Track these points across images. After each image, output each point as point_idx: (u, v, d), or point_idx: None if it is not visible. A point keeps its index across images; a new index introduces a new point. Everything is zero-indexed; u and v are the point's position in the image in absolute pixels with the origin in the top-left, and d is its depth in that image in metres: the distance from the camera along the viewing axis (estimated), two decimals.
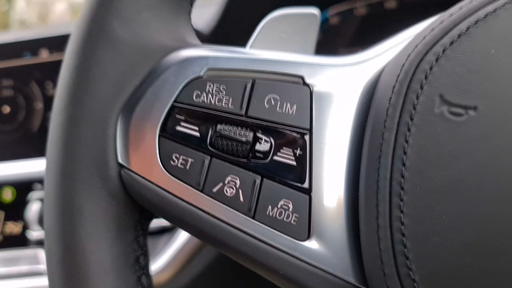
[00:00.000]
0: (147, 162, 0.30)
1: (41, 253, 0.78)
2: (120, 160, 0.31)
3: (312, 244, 0.29)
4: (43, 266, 0.77)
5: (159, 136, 0.30)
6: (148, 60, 0.32)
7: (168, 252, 0.69)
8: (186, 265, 0.68)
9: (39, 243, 0.78)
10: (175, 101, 0.31)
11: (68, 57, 0.32)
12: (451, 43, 0.27)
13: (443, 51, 0.27)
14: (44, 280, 0.76)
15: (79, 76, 0.30)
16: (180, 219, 0.30)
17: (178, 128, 0.31)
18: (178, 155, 0.30)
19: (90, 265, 0.30)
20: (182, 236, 0.69)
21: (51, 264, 0.30)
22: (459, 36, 0.27)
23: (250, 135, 0.30)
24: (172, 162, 0.30)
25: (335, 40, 0.78)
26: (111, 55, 0.31)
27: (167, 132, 0.31)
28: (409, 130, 0.26)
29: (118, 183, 0.31)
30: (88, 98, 0.30)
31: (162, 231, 0.72)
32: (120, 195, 0.31)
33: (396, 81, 0.28)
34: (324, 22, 0.77)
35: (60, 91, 0.31)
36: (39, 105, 0.85)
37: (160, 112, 0.31)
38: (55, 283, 0.30)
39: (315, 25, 0.39)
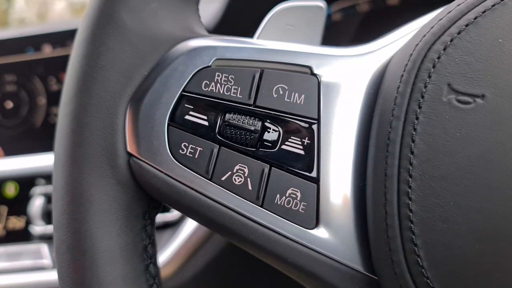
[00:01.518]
0: (156, 151, 0.30)
1: (44, 248, 0.78)
2: (129, 149, 0.31)
3: (320, 232, 0.30)
4: (46, 261, 0.77)
5: (168, 125, 0.31)
6: (157, 50, 0.32)
7: (172, 247, 0.69)
8: (189, 259, 0.68)
9: (42, 238, 0.78)
10: (183, 90, 0.31)
11: (77, 47, 0.32)
12: (459, 32, 0.27)
13: (451, 40, 0.27)
14: (47, 275, 0.76)
15: (88, 66, 0.31)
16: (188, 207, 0.31)
17: (187, 117, 0.31)
18: (187, 144, 0.30)
19: (98, 253, 0.30)
20: (186, 231, 0.69)
21: (60, 251, 0.31)
22: (467, 25, 0.27)
23: (258, 124, 0.30)
24: (181, 151, 0.30)
25: (337, 36, 0.78)
26: (120, 45, 0.31)
27: (176, 121, 0.31)
28: (417, 118, 0.27)
29: (127, 172, 0.31)
30: (97, 87, 0.30)
31: (165, 225, 0.72)
32: (129, 184, 0.31)
33: (404, 70, 0.28)
34: (327, 18, 0.78)
35: (69, 80, 0.31)
36: (42, 100, 0.85)
37: (169, 101, 0.31)
38: (63, 270, 0.30)
39: (321, 17, 0.39)
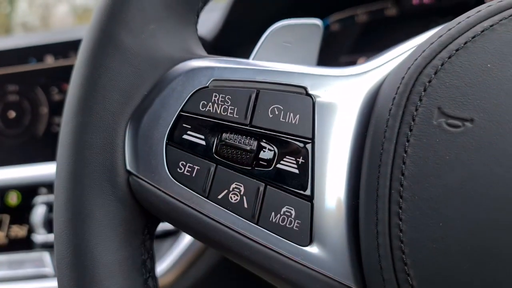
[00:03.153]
0: (154, 170, 0.31)
1: (46, 256, 0.78)
2: (128, 167, 0.31)
3: (313, 249, 0.30)
4: (48, 269, 0.78)
5: (166, 144, 0.31)
6: (156, 70, 0.33)
7: (172, 255, 0.69)
8: (189, 268, 0.69)
9: (44, 246, 0.79)
10: (181, 110, 0.32)
11: (78, 67, 0.33)
12: (449, 57, 0.28)
13: (442, 64, 0.28)
14: (49, 283, 0.76)
15: (88, 85, 0.31)
16: (185, 224, 0.31)
17: (185, 136, 0.31)
18: (184, 163, 0.31)
19: (98, 267, 0.31)
20: (186, 240, 0.70)
21: (60, 266, 0.31)
22: (457, 50, 0.28)
23: (254, 144, 0.31)
24: (178, 170, 0.31)
25: (336, 47, 0.79)
26: (120, 65, 0.32)
27: (174, 140, 0.32)
28: (408, 140, 0.27)
29: (127, 189, 0.32)
30: (98, 107, 0.31)
31: (166, 234, 0.73)
32: (128, 201, 0.32)
33: (396, 93, 0.29)
34: (325, 29, 0.78)
35: (70, 99, 0.32)
36: (44, 110, 0.86)
37: (168, 121, 0.32)
38: (64, 285, 0.31)
39: (318, 35, 0.40)
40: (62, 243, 0.31)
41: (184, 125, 0.32)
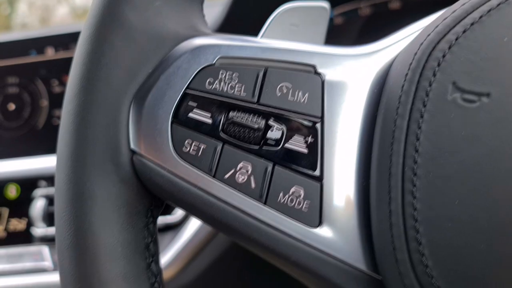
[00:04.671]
0: (159, 148, 0.30)
1: (45, 250, 0.78)
2: (132, 146, 0.31)
3: (323, 231, 0.29)
4: (47, 263, 0.77)
5: (172, 122, 0.31)
6: (161, 48, 0.32)
7: (173, 249, 0.69)
8: (190, 262, 0.68)
9: (43, 240, 0.78)
10: (187, 88, 0.31)
11: (81, 44, 0.32)
12: (464, 31, 0.27)
13: (456, 39, 0.27)
14: (48, 277, 0.76)
15: (92, 63, 0.31)
16: (191, 205, 0.31)
17: (191, 114, 0.31)
18: (190, 141, 0.30)
19: (100, 250, 0.30)
20: (187, 233, 0.69)
21: (61, 248, 0.30)
22: (472, 24, 0.27)
23: (262, 123, 0.30)
24: (184, 148, 0.30)
25: (339, 40, 0.78)
26: (124, 43, 0.31)
27: (180, 118, 0.31)
28: (421, 116, 0.27)
29: (130, 169, 0.31)
30: (101, 84, 0.30)
31: (167, 228, 0.72)
32: (131, 181, 0.31)
33: (409, 69, 0.28)
34: (329, 22, 0.78)
35: (73, 77, 0.31)
36: (44, 102, 0.85)
37: (173, 99, 0.31)
38: (65, 268, 0.30)
39: (325, 18, 0.39)
40: (63, 224, 0.30)
41: (190, 103, 0.31)
